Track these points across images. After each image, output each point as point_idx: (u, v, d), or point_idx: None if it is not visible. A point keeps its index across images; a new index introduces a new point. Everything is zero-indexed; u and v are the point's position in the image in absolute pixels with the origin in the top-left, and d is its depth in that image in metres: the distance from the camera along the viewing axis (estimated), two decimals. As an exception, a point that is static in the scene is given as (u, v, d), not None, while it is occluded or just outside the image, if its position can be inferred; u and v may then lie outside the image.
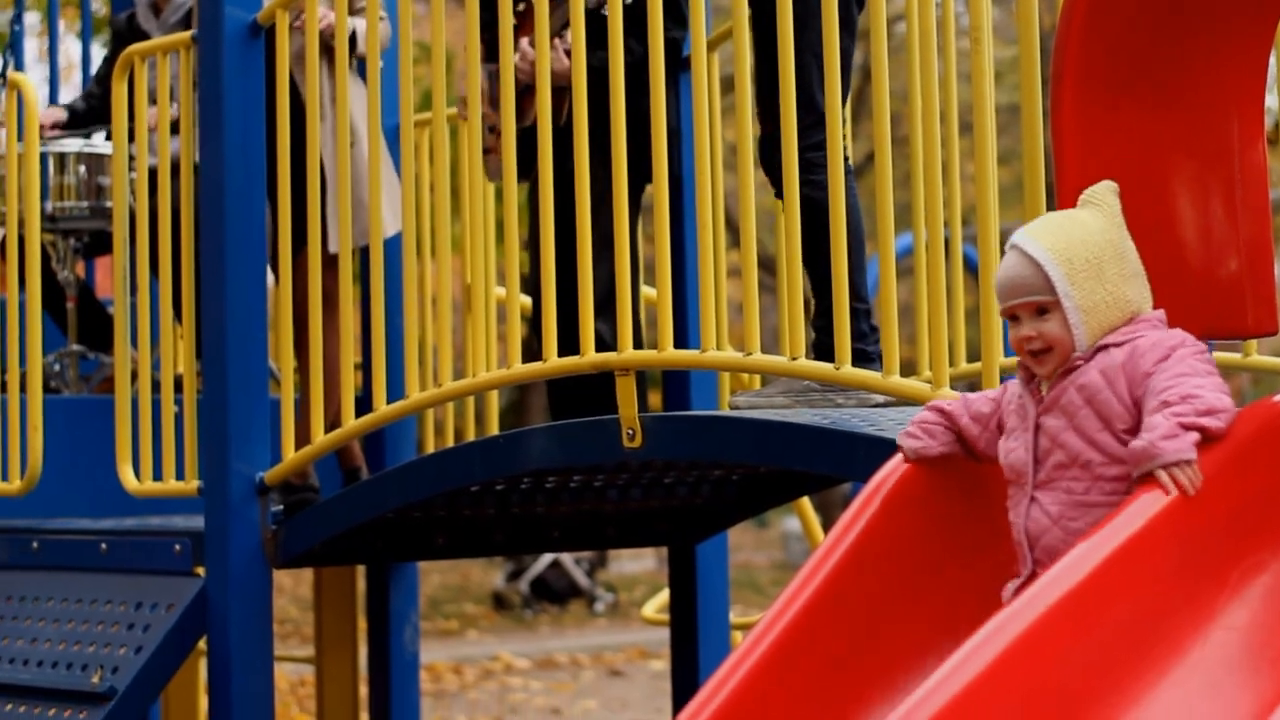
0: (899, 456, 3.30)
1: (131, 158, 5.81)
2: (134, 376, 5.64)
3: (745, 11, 4.27)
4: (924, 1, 4.14)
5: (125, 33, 6.44)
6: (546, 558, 17.70)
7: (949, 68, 4.44)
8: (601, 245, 4.77)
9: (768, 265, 14.79)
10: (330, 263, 5.37)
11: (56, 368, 6.59)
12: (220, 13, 5.32)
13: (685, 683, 6.11)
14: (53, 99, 7.96)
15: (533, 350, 4.84)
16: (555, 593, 18.05)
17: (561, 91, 5.03)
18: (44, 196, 6.33)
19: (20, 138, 5.76)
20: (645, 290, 6.01)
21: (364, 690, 6.89)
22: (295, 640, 14.40)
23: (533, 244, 5.11)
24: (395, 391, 5.13)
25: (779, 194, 4.41)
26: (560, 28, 5.16)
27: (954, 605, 3.21)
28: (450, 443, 6.67)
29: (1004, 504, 3.18)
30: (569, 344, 4.63)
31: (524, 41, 5.24)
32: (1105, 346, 3.07)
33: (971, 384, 4.94)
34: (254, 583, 5.28)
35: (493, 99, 5.28)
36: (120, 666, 5.16)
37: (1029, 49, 3.84)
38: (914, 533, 3.25)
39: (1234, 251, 3.40)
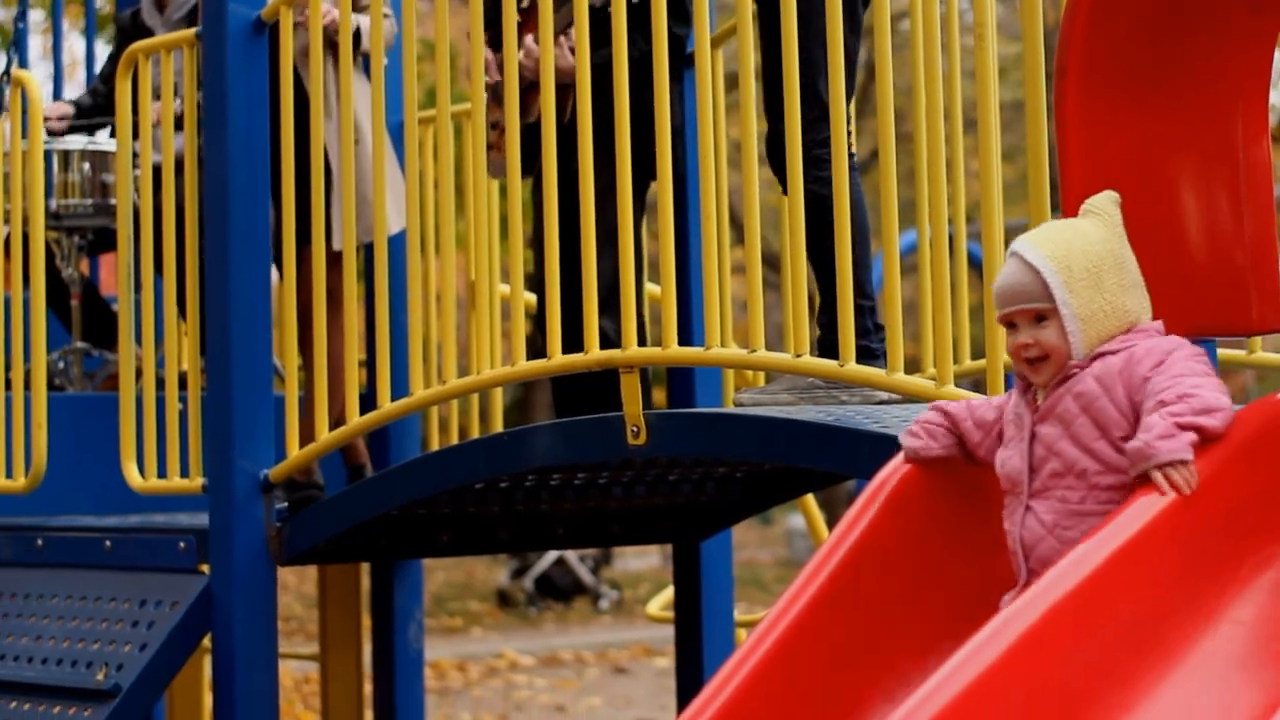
0: (902, 454, 3.30)
1: (135, 155, 5.81)
2: (138, 374, 5.64)
3: (750, 8, 4.27)
4: (928, -2, 4.14)
5: (130, 29, 6.44)
6: (551, 555, 17.71)
7: (953, 64, 4.43)
8: (606, 242, 4.77)
9: (772, 262, 14.78)
10: (334, 260, 5.38)
11: (61, 365, 6.59)
12: (224, 9, 5.32)
13: (690, 680, 6.11)
14: (57, 96, 7.96)
15: (537, 347, 4.85)
16: (560, 590, 18.06)
17: (566, 89, 5.03)
18: (48, 194, 6.33)
19: (24, 135, 5.76)
20: (649, 287, 6.01)
21: (368, 688, 6.89)
22: (300, 637, 14.40)
23: (537, 241, 5.11)
24: (400, 389, 5.13)
25: (786, 190, 4.41)
26: (566, 26, 5.16)
27: (958, 603, 3.21)
28: (455, 440, 6.68)
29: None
30: (573, 341, 4.63)
31: (529, 38, 5.24)
32: (1102, 354, 3.06)
33: (975, 381, 4.94)
34: (258, 580, 5.29)
35: (495, 95, 5.28)
36: (125, 664, 5.16)
37: (1033, 45, 3.84)
38: (918, 531, 3.25)
39: (1238, 248, 3.40)
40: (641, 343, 4.74)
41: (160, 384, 5.56)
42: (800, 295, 4.62)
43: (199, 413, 5.51)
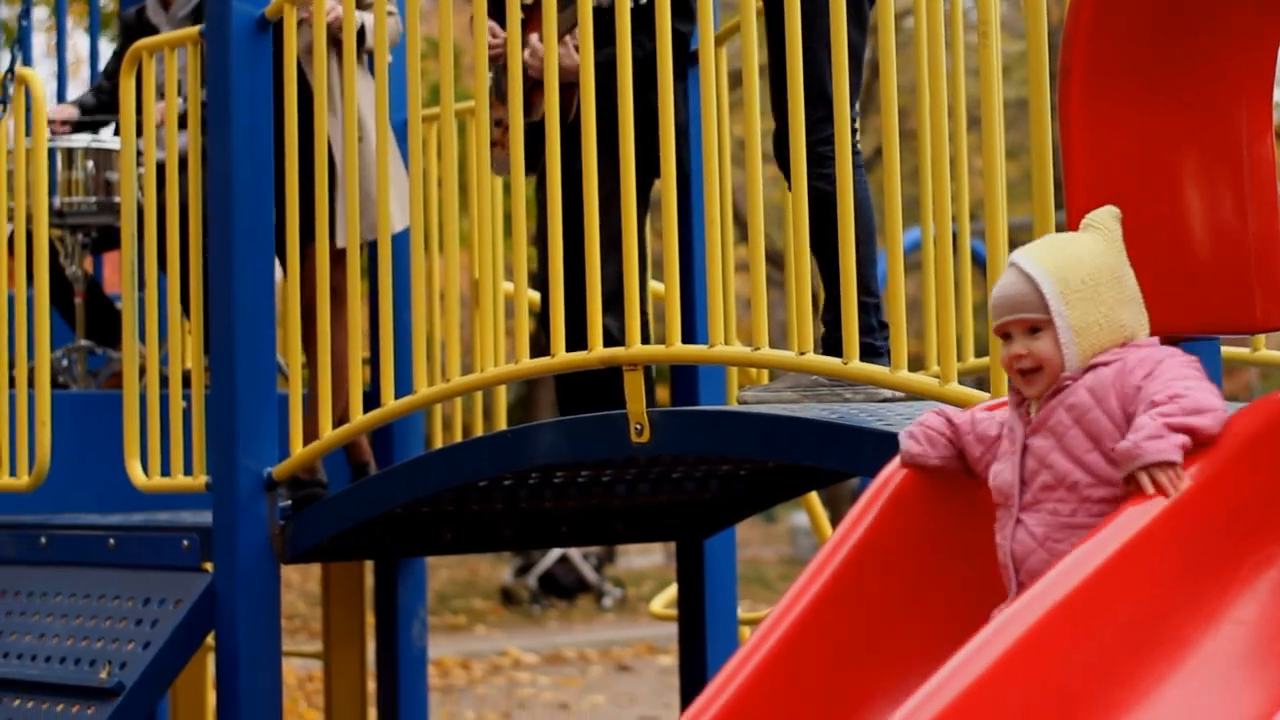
0: (899, 457, 3.29)
1: (139, 153, 5.81)
2: (142, 372, 5.64)
3: (754, 6, 4.27)
4: (932, -4, 4.14)
5: (135, 27, 6.45)
6: (554, 553, 17.71)
7: (957, 62, 4.43)
8: (610, 241, 4.77)
9: (776, 260, 14.80)
10: (338, 257, 5.38)
11: (64, 363, 6.60)
12: (228, 7, 5.32)
13: (693, 678, 6.11)
14: (61, 94, 7.97)
15: (541, 345, 4.85)
16: (563, 588, 18.06)
17: (571, 87, 5.03)
18: (52, 192, 6.33)
19: (29, 132, 5.76)
20: (653, 285, 6.01)
21: (372, 685, 6.89)
22: (303, 635, 14.41)
23: (540, 239, 5.11)
24: (403, 387, 5.13)
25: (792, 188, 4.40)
26: (571, 27, 5.15)
27: (961, 601, 3.21)
28: (458, 438, 6.67)
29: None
30: (577, 339, 4.63)
31: (533, 37, 5.24)
32: (1095, 366, 3.05)
33: (979, 379, 4.93)
34: (262, 578, 5.29)
35: (499, 93, 5.28)
36: (128, 662, 5.16)
37: (1037, 43, 3.84)
38: (921, 529, 3.25)
39: (1242, 246, 3.39)
40: (645, 340, 4.74)
41: (164, 382, 5.56)
42: (804, 293, 4.62)
43: (202, 411, 5.51)
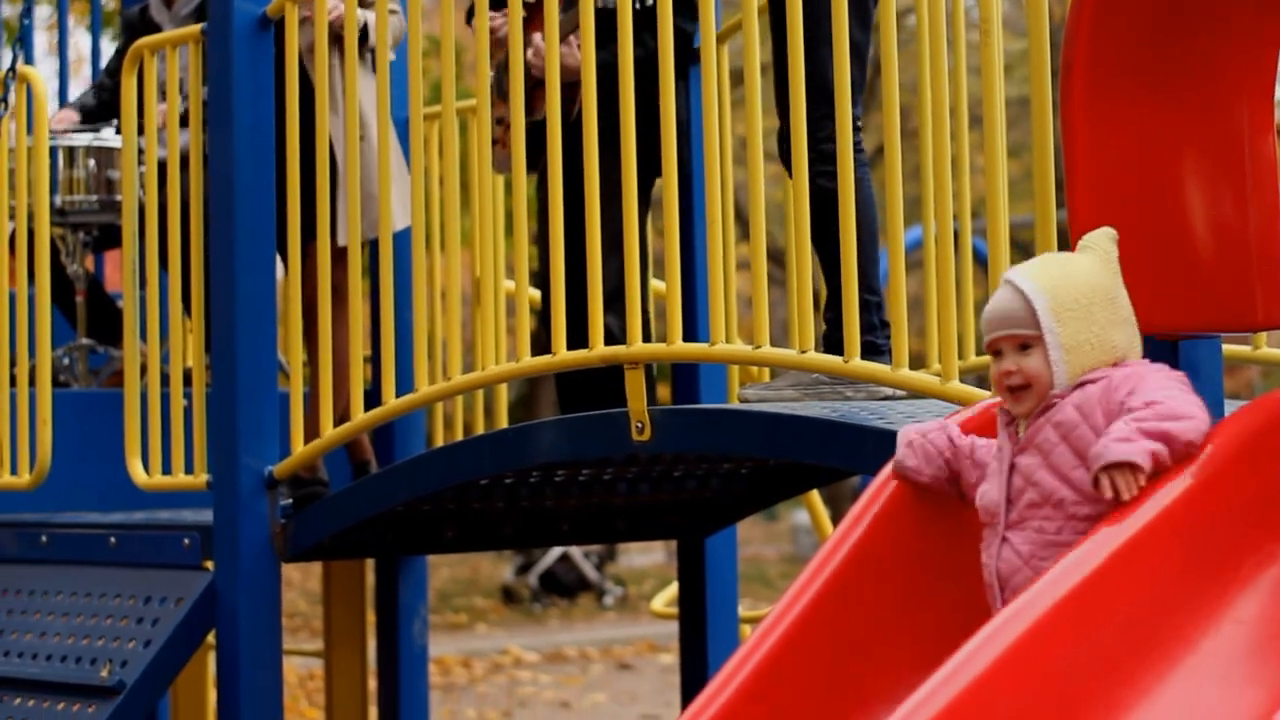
0: (892, 464, 3.29)
1: (141, 151, 5.81)
2: (143, 370, 5.64)
3: (755, 3, 4.26)
4: (934, -6, 4.14)
5: (138, 25, 6.45)
6: (555, 551, 17.71)
7: (959, 60, 4.43)
8: (611, 239, 4.77)
9: (777, 258, 14.81)
10: (339, 256, 5.38)
11: (65, 361, 6.59)
12: (230, 6, 5.32)
13: (694, 676, 6.11)
14: (62, 93, 7.97)
15: (542, 343, 4.84)
16: (564, 586, 18.06)
17: (574, 87, 5.03)
18: (53, 190, 6.33)
19: (30, 131, 5.76)
20: (654, 283, 6.01)
21: (373, 684, 6.89)
22: (304, 634, 14.41)
23: (542, 238, 5.11)
24: (404, 385, 5.13)
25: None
26: (573, 28, 5.15)
27: (962, 600, 3.21)
28: (459, 436, 6.68)
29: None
30: (578, 337, 4.63)
31: (536, 36, 5.24)
32: (1083, 384, 3.05)
33: (980, 377, 4.93)
34: (263, 576, 5.29)
35: (501, 91, 5.28)
36: (129, 660, 5.16)
37: (1039, 41, 3.84)
38: (922, 527, 3.24)
39: (1243, 244, 3.39)
40: (646, 339, 4.74)
41: (165, 380, 5.56)
42: (805, 291, 4.62)
43: (204, 409, 5.51)
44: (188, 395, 5.59)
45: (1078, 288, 3.07)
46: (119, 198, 6.37)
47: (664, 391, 7.57)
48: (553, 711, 11.81)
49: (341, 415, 5.38)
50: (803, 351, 4.27)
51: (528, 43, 5.07)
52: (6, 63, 6.07)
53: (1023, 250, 4.21)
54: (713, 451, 5.16)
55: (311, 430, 5.33)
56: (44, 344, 5.65)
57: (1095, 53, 3.33)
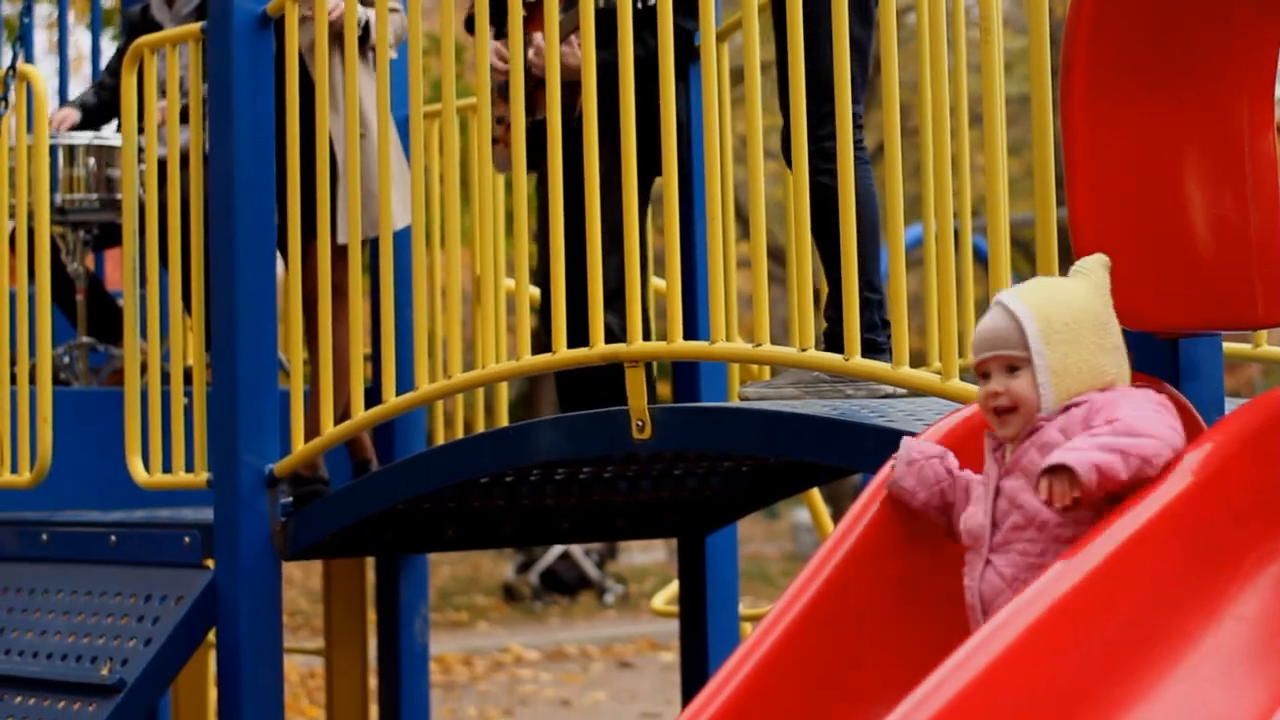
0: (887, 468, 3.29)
1: (141, 150, 5.81)
2: (143, 369, 5.64)
3: (756, 1, 4.26)
4: (934, -8, 4.14)
5: (139, 24, 6.45)
6: (556, 549, 17.71)
7: (959, 58, 4.43)
8: (611, 237, 4.77)
9: (778, 256, 14.80)
10: (340, 254, 5.38)
11: (66, 360, 6.60)
12: (230, 4, 5.32)
13: (695, 674, 6.11)
14: (63, 91, 7.97)
15: (542, 342, 4.84)
16: (565, 584, 18.06)
17: (574, 86, 5.02)
18: (53, 189, 6.33)
19: (30, 130, 5.76)
20: (655, 282, 6.01)
21: (374, 682, 6.89)
22: (305, 632, 14.42)
23: (542, 236, 5.11)
24: (405, 383, 5.13)
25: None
26: (574, 28, 5.15)
27: (963, 599, 3.21)
28: (460, 434, 6.68)
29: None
30: (578, 336, 4.63)
31: (537, 35, 5.24)
32: (1068, 407, 3.05)
33: (981, 375, 4.92)
34: (263, 575, 5.29)
35: (501, 90, 5.28)
36: (130, 659, 5.16)
37: (1039, 39, 3.84)
38: (923, 526, 3.24)
39: (1244, 242, 3.39)
40: (646, 337, 4.74)
41: (165, 379, 5.56)
42: (805, 289, 4.62)
43: (204, 407, 5.51)
44: (188, 393, 5.59)
45: (1069, 311, 3.07)
46: (119, 196, 6.37)
47: (664, 390, 7.57)
48: (553, 709, 11.81)
49: (342, 413, 5.38)
50: (803, 350, 4.27)
51: (529, 42, 5.07)
52: (7, 61, 6.07)
53: (1023, 248, 4.21)
54: (713, 449, 5.15)
55: (312, 428, 5.33)
56: (44, 342, 5.65)
57: (1095, 51, 3.33)
